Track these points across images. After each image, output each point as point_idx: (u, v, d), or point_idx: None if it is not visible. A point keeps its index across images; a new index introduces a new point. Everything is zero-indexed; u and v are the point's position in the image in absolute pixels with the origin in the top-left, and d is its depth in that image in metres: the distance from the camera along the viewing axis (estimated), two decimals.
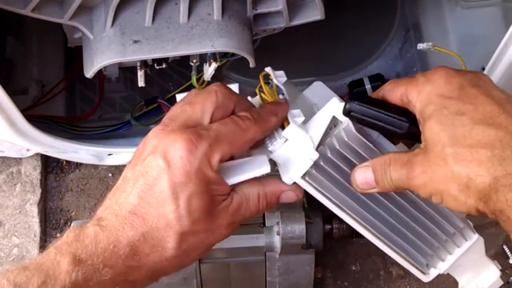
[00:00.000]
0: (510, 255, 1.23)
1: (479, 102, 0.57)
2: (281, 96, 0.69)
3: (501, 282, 0.71)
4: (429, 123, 0.58)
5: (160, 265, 0.57)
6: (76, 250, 0.54)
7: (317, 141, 0.64)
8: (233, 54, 0.95)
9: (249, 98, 0.73)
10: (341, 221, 1.04)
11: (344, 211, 0.67)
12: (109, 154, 1.08)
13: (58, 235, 1.25)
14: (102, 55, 0.87)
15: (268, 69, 0.71)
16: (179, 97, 0.70)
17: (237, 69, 1.16)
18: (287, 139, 0.65)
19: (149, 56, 0.88)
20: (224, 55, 0.97)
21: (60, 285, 0.52)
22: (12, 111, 0.90)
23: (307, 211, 1.02)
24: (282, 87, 0.70)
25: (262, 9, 0.92)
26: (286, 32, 0.98)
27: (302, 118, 0.66)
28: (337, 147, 0.65)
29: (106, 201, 0.60)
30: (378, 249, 0.68)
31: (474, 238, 0.70)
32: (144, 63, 0.92)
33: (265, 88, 0.69)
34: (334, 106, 0.66)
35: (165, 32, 0.87)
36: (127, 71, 1.13)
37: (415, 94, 0.60)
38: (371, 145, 0.66)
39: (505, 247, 1.24)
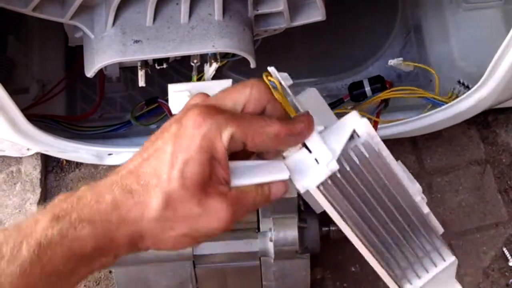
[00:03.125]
0: (510, 258, 1.23)
1: None
2: (289, 99, 0.68)
3: None
4: None
5: (140, 227, 0.54)
6: (57, 209, 0.53)
7: (338, 152, 0.64)
8: (234, 55, 0.95)
9: None
10: None
11: (346, 222, 0.67)
12: (109, 154, 1.08)
13: None
14: (103, 54, 0.87)
15: (272, 70, 0.70)
16: (171, 87, 0.70)
17: (238, 70, 1.16)
18: (303, 146, 0.64)
19: (150, 56, 0.88)
20: (225, 55, 0.97)
21: (36, 242, 0.51)
22: (13, 110, 0.90)
23: (304, 214, 1.02)
24: (289, 90, 0.69)
25: (263, 10, 0.92)
26: (287, 33, 0.98)
27: (322, 127, 0.65)
28: (357, 162, 0.65)
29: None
30: None
31: (451, 260, 0.70)
32: (144, 63, 0.92)
33: (274, 91, 0.68)
34: (355, 120, 0.65)
35: (166, 32, 0.87)
36: (127, 71, 1.13)
37: None
38: (390, 164, 0.66)
39: (504, 249, 1.24)
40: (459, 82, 1.06)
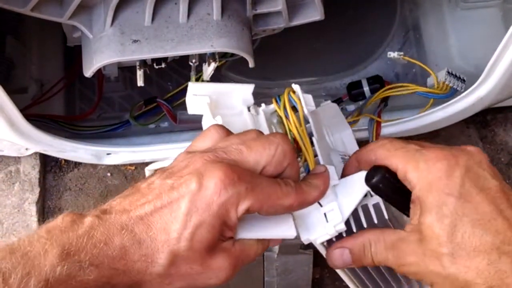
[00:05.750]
0: None
1: (479, 201, 0.59)
2: (307, 126, 0.68)
3: None
4: (427, 216, 0.59)
5: (141, 278, 0.55)
6: (66, 241, 0.53)
7: (347, 214, 0.64)
8: (232, 54, 0.95)
9: (263, 105, 0.73)
10: None
11: (346, 273, 0.69)
12: (108, 154, 1.08)
13: None
14: (102, 54, 0.87)
15: (297, 88, 0.70)
16: (191, 88, 0.70)
17: (237, 69, 1.16)
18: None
19: (148, 55, 0.88)
20: (223, 55, 0.97)
21: (44, 279, 0.50)
22: (11, 110, 0.90)
23: None
24: (310, 118, 0.69)
25: (261, 9, 0.92)
26: (285, 33, 0.98)
27: (337, 181, 0.66)
28: (365, 226, 0.66)
29: (121, 197, 0.58)
30: None
31: None
32: (143, 63, 0.92)
33: (292, 116, 0.67)
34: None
35: (165, 32, 0.87)
36: (126, 70, 1.13)
37: (415, 176, 0.61)
38: (391, 225, 0.67)
39: None
40: (448, 72, 1.06)
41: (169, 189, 0.56)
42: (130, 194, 0.58)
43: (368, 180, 0.63)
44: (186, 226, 0.55)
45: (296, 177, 0.62)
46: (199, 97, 0.70)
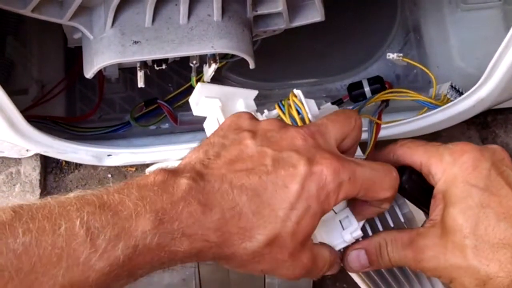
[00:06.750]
0: None
1: (504, 194, 0.59)
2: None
3: None
4: (451, 210, 0.59)
5: (234, 251, 0.52)
6: (160, 206, 0.49)
7: (363, 222, 0.64)
8: (233, 56, 0.95)
9: (265, 111, 0.72)
10: None
11: (361, 277, 0.69)
12: (109, 155, 1.08)
13: None
14: (102, 55, 0.87)
15: (298, 93, 0.69)
16: (201, 89, 0.69)
17: (237, 71, 1.16)
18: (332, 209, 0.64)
19: (149, 57, 0.88)
20: (224, 56, 0.97)
21: (132, 245, 0.47)
22: (12, 111, 0.90)
23: None
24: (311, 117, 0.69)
25: (262, 11, 0.92)
26: (286, 34, 0.98)
27: None
28: (381, 230, 0.66)
29: (210, 156, 0.54)
30: None
31: None
32: (144, 64, 0.92)
33: (299, 123, 0.67)
34: None
35: (165, 33, 0.87)
36: (127, 71, 1.13)
37: (440, 171, 0.61)
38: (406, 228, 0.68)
39: None
40: (451, 86, 1.06)
41: (274, 162, 0.54)
42: (219, 154, 0.55)
43: None
44: (294, 207, 0.53)
45: (355, 149, 0.63)
46: (210, 99, 0.69)
